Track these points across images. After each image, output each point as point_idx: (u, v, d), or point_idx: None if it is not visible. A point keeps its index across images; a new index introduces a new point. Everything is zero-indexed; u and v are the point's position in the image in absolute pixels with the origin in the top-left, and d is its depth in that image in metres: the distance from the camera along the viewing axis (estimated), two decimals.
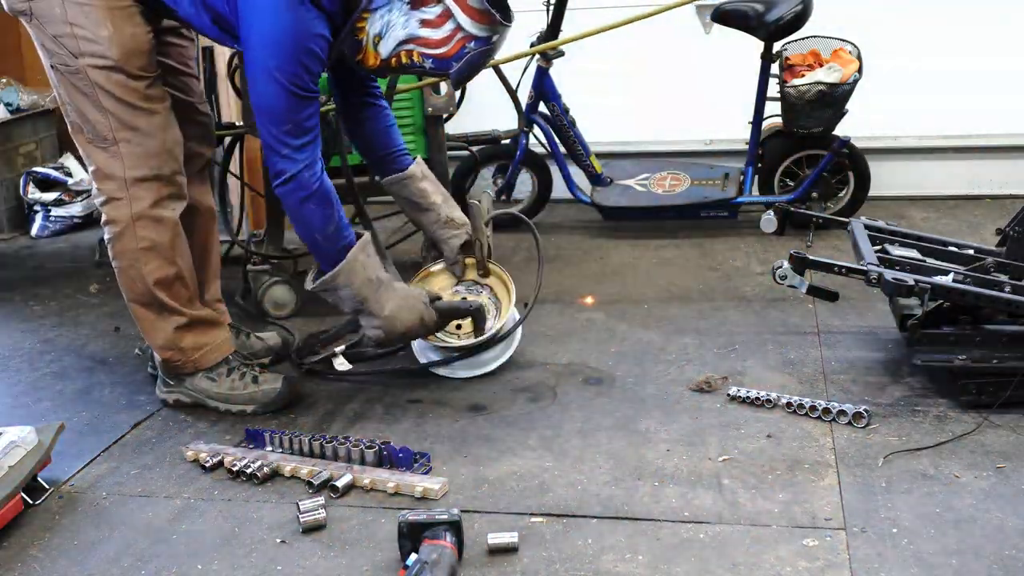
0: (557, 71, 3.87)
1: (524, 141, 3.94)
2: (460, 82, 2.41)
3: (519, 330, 2.82)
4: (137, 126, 2.41)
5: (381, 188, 3.23)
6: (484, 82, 3.71)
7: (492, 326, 2.74)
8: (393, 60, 2.36)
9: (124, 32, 2.35)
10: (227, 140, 3.46)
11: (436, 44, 2.30)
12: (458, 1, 2.26)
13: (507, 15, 2.33)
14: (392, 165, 2.76)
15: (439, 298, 2.66)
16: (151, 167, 2.43)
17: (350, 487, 2.21)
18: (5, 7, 2.41)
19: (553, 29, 3.72)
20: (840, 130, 3.81)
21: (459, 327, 2.79)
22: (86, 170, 2.56)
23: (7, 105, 4.67)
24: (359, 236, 2.51)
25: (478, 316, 2.70)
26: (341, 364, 2.74)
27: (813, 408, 2.40)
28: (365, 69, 2.42)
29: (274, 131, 2.32)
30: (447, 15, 2.27)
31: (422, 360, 2.79)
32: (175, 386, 2.67)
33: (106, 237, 2.51)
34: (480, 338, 2.71)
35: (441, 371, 2.76)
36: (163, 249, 2.49)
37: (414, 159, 2.79)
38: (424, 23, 2.29)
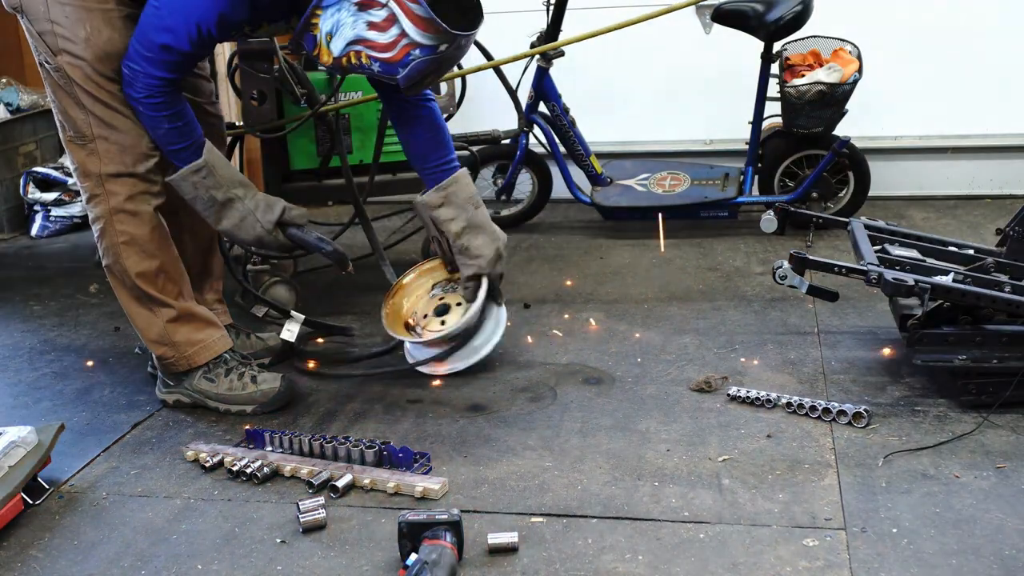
0: (557, 71, 3.87)
1: (524, 141, 3.94)
2: (412, 88, 2.36)
3: (502, 317, 2.81)
4: (114, 124, 2.44)
5: (379, 188, 3.23)
6: (484, 82, 3.72)
7: (455, 322, 2.73)
8: (344, 60, 2.35)
9: (102, 34, 2.38)
10: (227, 140, 3.45)
11: (382, 48, 2.28)
12: (403, 7, 2.22)
13: (470, 22, 2.29)
14: (427, 183, 2.76)
15: (298, 225, 2.59)
16: (125, 164, 2.46)
17: (350, 487, 2.21)
18: (4, 3, 2.45)
19: (553, 29, 3.72)
20: (840, 130, 3.81)
21: (443, 323, 2.78)
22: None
23: (7, 105, 4.67)
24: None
25: (333, 258, 2.61)
26: (288, 333, 2.82)
27: (813, 408, 2.41)
28: (322, 65, 2.42)
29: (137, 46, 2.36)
30: (392, 20, 2.24)
31: (411, 360, 2.79)
32: (175, 387, 2.67)
33: (95, 234, 2.55)
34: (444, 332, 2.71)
35: (440, 370, 2.75)
36: (142, 242, 2.51)
37: (453, 171, 2.74)
38: (371, 25, 2.27)
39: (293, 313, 2.93)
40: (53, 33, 2.38)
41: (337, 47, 2.33)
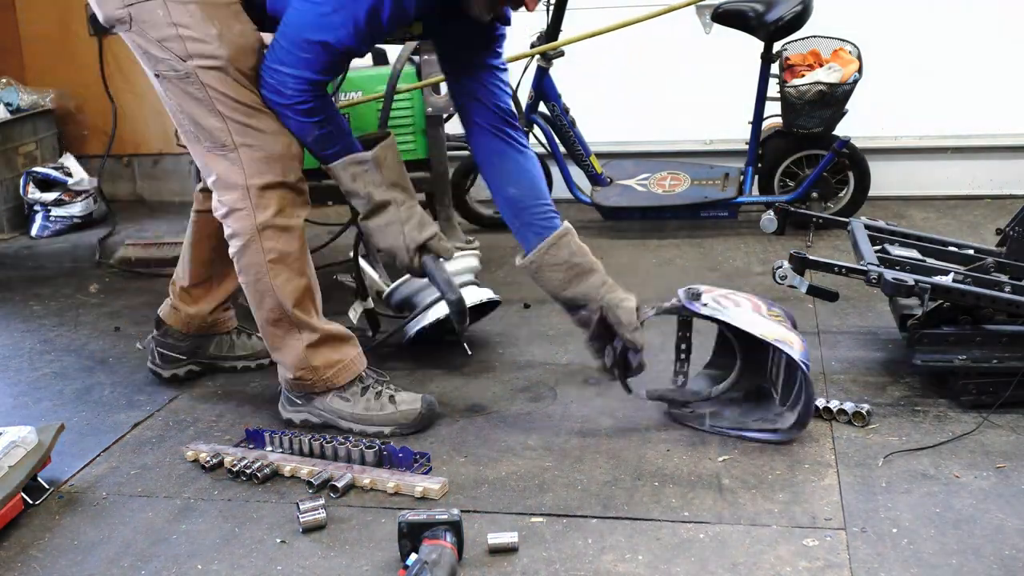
0: (557, 71, 3.87)
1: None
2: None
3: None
4: (258, 128, 2.28)
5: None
6: None
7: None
8: None
9: (233, 29, 2.24)
10: None
11: None
12: None
13: None
14: (535, 228, 2.43)
15: (440, 255, 2.46)
16: (275, 173, 2.30)
17: (350, 487, 2.21)
18: (101, 18, 2.30)
19: (553, 29, 3.72)
20: (840, 130, 3.81)
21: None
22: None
23: (7, 105, 4.67)
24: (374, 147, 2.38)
25: (452, 307, 2.49)
26: (353, 312, 2.79)
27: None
28: None
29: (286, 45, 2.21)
30: None
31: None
32: (303, 405, 2.50)
33: (231, 251, 2.38)
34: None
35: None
36: (292, 259, 2.35)
37: (555, 219, 2.45)
38: None
39: (366, 300, 2.87)
40: (179, 37, 2.21)
41: None
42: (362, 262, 2.93)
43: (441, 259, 2.47)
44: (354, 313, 2.88)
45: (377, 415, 2.46)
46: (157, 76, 2.30)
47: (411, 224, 2.40)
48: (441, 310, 2.73)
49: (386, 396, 2.47)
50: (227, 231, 2.37)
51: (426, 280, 2.56)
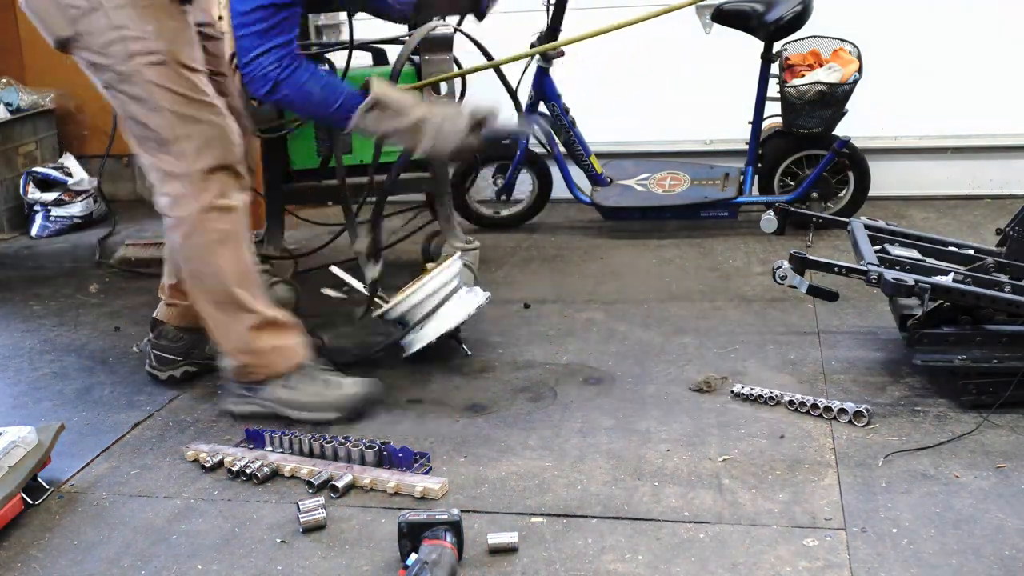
0: (557, 71, 3.87)
1: (524, 141, 3.94)
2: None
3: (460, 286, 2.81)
4: (197, 118, 2.38)
5: (380, 187, 3.20)
6: (484, 82, 3.72)
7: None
8: None
9: (167, 25, 2.35)
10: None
11: None
12: None
13: None
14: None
15: (487, 121, 2.56)
16: (215, 157, 2.39)
17: (350, 487, 2.21)
18: (52, 42, 2.39)
19: (553, 29, 3.72)
20: (840, 130, 3.81)
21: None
22: (141, 175, 2.56)
23: (7, 105, 4.67)
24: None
25: (524, 129, 2.68)
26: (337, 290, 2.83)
27: (815, 406, 2.41)
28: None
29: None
30: None
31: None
32: (249, 396, 2.54)
33: (176, 241, 2.45)
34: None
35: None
36: (235, 239, 2.43)
37: None
38: None
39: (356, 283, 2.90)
40: (122, 39, 2.31)
41: None
42: (336, 269, 2.94)
43: (491, 114, 2.56)
44: (371, 271, 2.86)
45: (322, 401, 2.51)
46: (107, 87, 2.40)
47: (449, 115, 2.52)
48: (441, 326, 2.73)
49: (329, 382, 2.53)
50: (172, 222, 2.43)
51: (421, 296, 2.66)
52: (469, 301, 2.81)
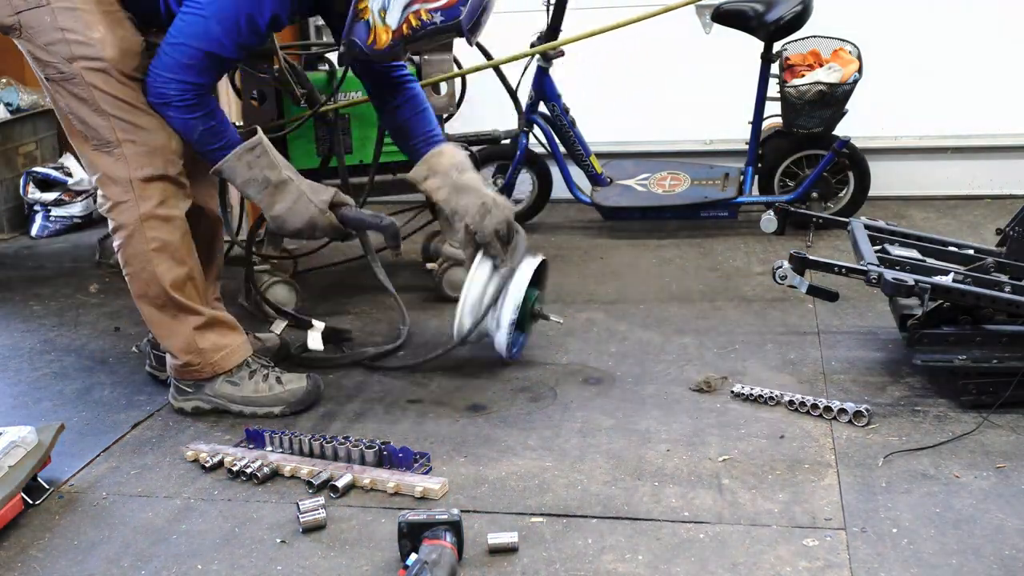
0: (557, 71, 3.87)
1: (524, 141, 3.94)
2: (475, 29, 2.41)
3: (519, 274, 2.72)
4: (140, 125, 2.40)
5: (379, 188, 3.20)
6: (484, 82, 3.72)
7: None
8: (404, 27, 2.38)
9: (115, 34, 2.36)
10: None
11: None
12: None
13: None
14: (417, 157, 2.76)
15: (349, 205, 2.60)
16: (156, 167, 2.42)
17: (350, 487, 2.21)
18: None
19: (553, 29, 3.72)
20: (840, 130, 3.81)
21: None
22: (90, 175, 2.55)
23: (7, 105, 4.67)
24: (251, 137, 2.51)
25: (388, 232, 2.60)
26: (313, 340, 2.82)
27: (815, 406, 2.41)
28: (378, 53, 2.43)
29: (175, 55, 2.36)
30: None
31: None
32: (193, 393, 2.60)
33: (115, 244, 2.49)
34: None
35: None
36: (174, 248, 2.46)
37: (438, 143, 2.74)
38: None
39: (314, 322, 2.96)
40: (65, 40, 2.33)
41: (394, 18, 2.37)
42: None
43: (350, 206, 2.59)
44: (315, 340, 2.92)
45: (266, 396, 2.56)
46: (47, 80, 2.40)
47: (312, 191, 2.53)
48: (512, 303, 2.64)
49: (273, 378, 2.59)
50: (112, 224, 2.47)
51: (477, 291, 2.64)
52: (525, 268, 2.71)
